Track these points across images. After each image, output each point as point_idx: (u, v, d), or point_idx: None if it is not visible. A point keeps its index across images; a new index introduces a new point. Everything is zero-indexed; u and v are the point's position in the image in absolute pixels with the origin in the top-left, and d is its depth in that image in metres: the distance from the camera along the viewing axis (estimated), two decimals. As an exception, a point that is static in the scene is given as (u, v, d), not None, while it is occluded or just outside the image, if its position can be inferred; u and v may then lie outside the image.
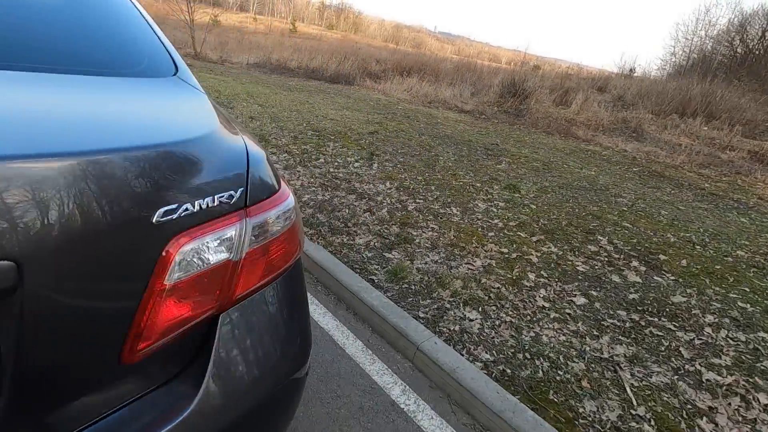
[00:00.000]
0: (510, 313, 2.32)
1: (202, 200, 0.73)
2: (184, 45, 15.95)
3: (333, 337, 2.04)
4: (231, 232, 0.78)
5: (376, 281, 2.45)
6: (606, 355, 2.08)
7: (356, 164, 4.58)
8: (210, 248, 0.76)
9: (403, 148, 5.47)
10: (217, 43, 17.79)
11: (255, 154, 0.89)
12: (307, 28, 39.58)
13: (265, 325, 0.89)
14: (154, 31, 1.26)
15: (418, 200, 3.76)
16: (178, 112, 0.93)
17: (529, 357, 2.00)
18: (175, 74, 1.12)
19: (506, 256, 2.95)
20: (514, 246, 3.11)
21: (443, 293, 2.41)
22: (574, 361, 2.01)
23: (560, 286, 2.65)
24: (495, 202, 3.95)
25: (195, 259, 0.74)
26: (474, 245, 3.03)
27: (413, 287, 2.44)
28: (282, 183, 1.00)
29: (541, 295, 2.52)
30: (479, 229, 3.32)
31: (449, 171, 4.76)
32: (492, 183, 4.54)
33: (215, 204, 0.75)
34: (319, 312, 2.21)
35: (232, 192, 0.78)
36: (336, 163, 4.51)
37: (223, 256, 0.78)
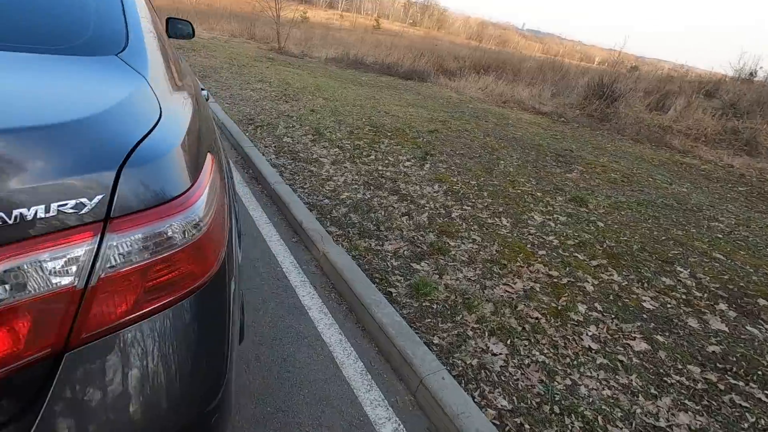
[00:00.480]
0: (545, 351, 1.96)
1: (27, 210, 0.56)
2: (269, 40, 16.73)
3: (333, 353, 1.85)
4: (77, 251, 0.60)
5: (393, 295, 2.20)
6: (663, 424, 1.65)
7: (407, 163, 4.34)
8: (42, 270, 0.58)
9: (463, 149, 5.11)
10: (302, 39, 18.44)
11: (151, 150, 0.70)
12: (391, 24, 39.84)
13: (142, 366, 0.70)
14: (124, 6, 1.14)
15: (465, 207, 3.43)
16: (65, 95, 0.77)
17: (558, 412, 1.64)
18: (121, 52, 0.97)
19: (555, 280, 2.54)
20: (567, 269, 2.68)
21: (468, 317, 2.10)
22: (616, 426, 1.61)
23: (616, 325, 2.21)
24: (555, 216, 3.49)
25: (17, 282, 0.57)
26: (518, 264, 2.66)
27: (435, 306, 2.16)
28: (202, 182, 0.81)
29: (590, 334, 2.11)
30: (528, 246, 2.92)
31: (508, 177, 4.34)
32: (556, 193, 4.04)
33: (51, 214, 0.58)
34: (325, 322, 2.02)
35: (83, 200, 0.60)
36: (386, 161, 4.30)
37: (63, 281, 0.60)
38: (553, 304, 2.30)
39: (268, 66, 9.92)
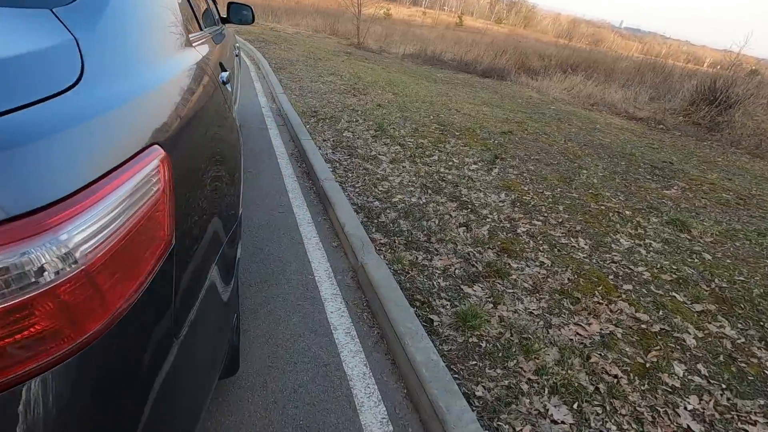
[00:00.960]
0: (626, 426, 1.50)
1: None
2: (350, 35, 16.91)
3: (352, 390, 1.55)
4: None
5: (435, 324, 1.85)
6: None
7: (473, 167, 3.92)
8: None
9: (539, 155, 4.56)
10: (382, 35, 18.41)
11: (12, 129, 0.45)
12: (475, 21, 38.66)
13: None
14: None
15: (534, 222, 2.96)
16: None
17: None
18: (61, 6, 0.74)
19: (643, 326, 2.02)
20: (661, 313, 2.13)
21: (524, 365, 1.69)
22: None
23: (728, 400, 1.67)
24: (646, 241, 2.89)
25: None
26: (596, 299, 2.17)
27: (484, 345, 1.78)
28: (100, 190, 0.54)
29: (690, 408, 1.60)
30: (610, 277, 2.40)
31: (591, 189, 3.75)
32: (649, 213, 3.40)
33: None
34: (350, 348, 1.73)
35: None
36: (450, 163, 3.92)
37: None
38: (640, 360, 1.81)
39: (343, 60, 9.89)
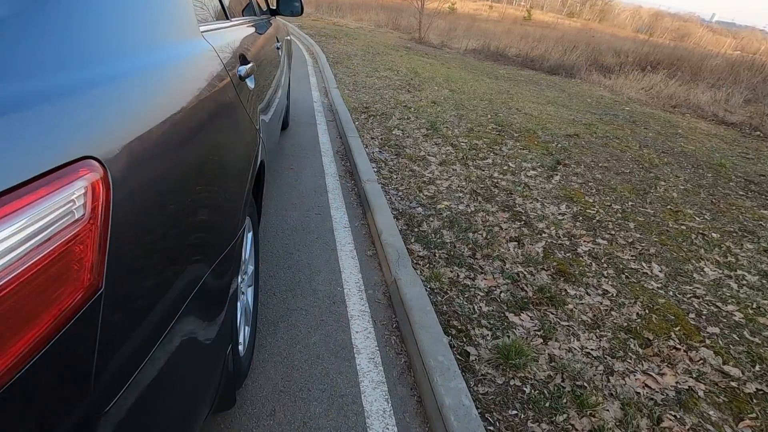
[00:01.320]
0: None
1: None
2: (412, 30, 16.67)
3: (368, 430, 1.36)
4: None
5: (471, 358, 1.61)
6: None
7: (531, 172, 3.57)
8: None
9: (608, 162, 4.09)
10: (444, 29, 17.97)
11: None
12: (544, 15, 36.78)
13: None
14: None
15: (599, 240, 2.59)
16: None
17: None
18: None
19: (734, 384, 1.65)
20: (758, 368, 1.74)
21: (577, 422, 1.41)
22: None
23: None
24: (739, 273, 2.43)
25: None
26: (672, 343, 1.81)
27: (528, 390, 1.51)
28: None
29: (797, 505, 1.24)
30: (691, 315, 2.01)
31: (669, 204, 3.27)
32: (742, 237, 2.89)
33: None
34: (372, 377, 1.54)
35: None
36: (505, 168, 3.60)
37: None
38: (728, 430, 1.45)
39: (402, 55, 9.69)
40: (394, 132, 4.14)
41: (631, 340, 1.80)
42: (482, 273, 2.13)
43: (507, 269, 2.19)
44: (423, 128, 4.37)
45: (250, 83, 1.37)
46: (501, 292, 2.01)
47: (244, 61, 1.35)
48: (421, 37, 15.79)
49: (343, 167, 3.34)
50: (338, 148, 3.74)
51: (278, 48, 2.35)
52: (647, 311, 2.00)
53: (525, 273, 2.17)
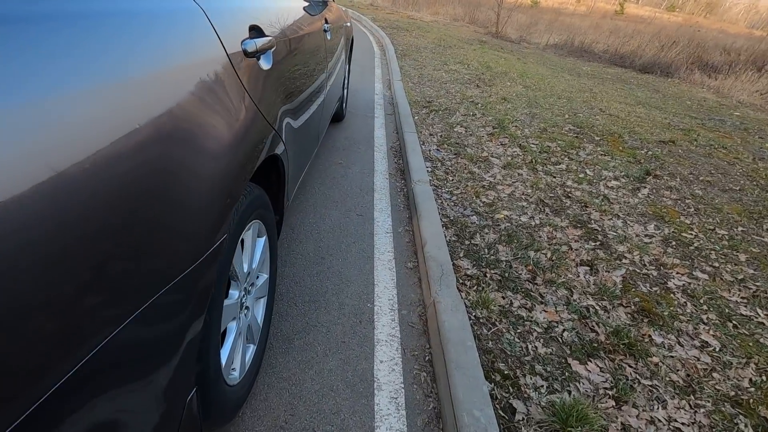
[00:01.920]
0: None
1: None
2: (489, 24, 15.98)
3: (376, 495, 1.09)
4: None
5: (517, 418, 1.28)
6: None
7: (612, 183, 3.06)
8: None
9: (712, 175, 3.43)
10: (525, 24, 17.02)
11: None
12: (639, 9, 33.65)
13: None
14: None
15: (698, 273, 2.09)
16: None
17: None
18: None
19: None
20: None
21: None
22: None
23: None
24: None
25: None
26: (801, 429, 1.34)
27: (591, 472, 1.15)
28: None
29: None
30: (831, 391, 1.50)
31: (795, 235, 2.62)
32: None
33: None
34: (389, 425, 1.26)
35: None
36: (581, 175, 3.13)
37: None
38: None
39: (475, 49, 9.19)
40: (455, 129, 3.80)
41: (741, 417, 1.36)
42: (542, 303, 1.77)
43: (574, 301, 1.80)
44: (489, 126, 3.97)
45: (265, 62, 1.14)
46: (564, 330, 1.64)
47: (258, 33, 1.12)
48: (498, 31, 15.06)
49: (396, 165, 3.08)
50: (393, 143, 3.48)
51: (325, 31, 2.13)
52: (765, 377, 1.52)
53: (597, 308, 1.77)
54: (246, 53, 1.00)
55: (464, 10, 19.60)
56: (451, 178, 2.84)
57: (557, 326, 1.65)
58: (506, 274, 1.91)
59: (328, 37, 2.23)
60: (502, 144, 3.59)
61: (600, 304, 1.80)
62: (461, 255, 2.02)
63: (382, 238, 2.17)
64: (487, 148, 3.47)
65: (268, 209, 1.28)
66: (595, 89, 6.48)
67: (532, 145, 3.63)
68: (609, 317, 1.73)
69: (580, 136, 4.00)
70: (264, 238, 1.33)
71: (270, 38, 1.15)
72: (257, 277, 1.32)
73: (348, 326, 1.60)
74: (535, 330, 1.62)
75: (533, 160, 3.31)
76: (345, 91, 3.60)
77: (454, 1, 22.56)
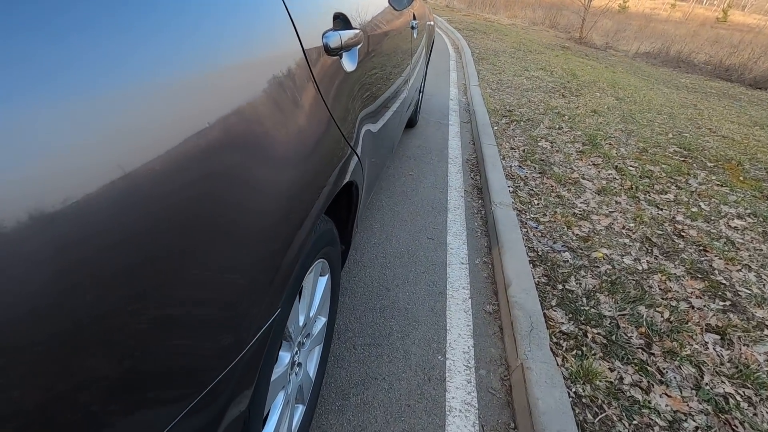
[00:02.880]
0: None
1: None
2: (572, 29, 15.08)
3: None
4: None
5: None
6: None
7: (736, 222, 2.53)
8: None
9: None
10: (611, 30, 15.83)
11: None
12: (745, 17, 30.22)
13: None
14: None
15: None
16: None
17: None
18: None
19: None
20: None
21: None
22: None
23: None
24: None
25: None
26: None
27: None
28: None
29: None
30: None
31: None
32: None
33: None
34: None
35: None
36: (695, 209, 2.62)
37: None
38: None
39: (557, 55, 8.56)
40: (540, 143, 3.39)
41: None
42: (662, 383, 1.38)
43: (706, 385, 1.39)
44: (578, 142, 3.52)
45: (349, 62, 0.89)
46: (698, 429, 1.25)
47: (344, 24, 0.87)
48: (582, 36, 14.11)
49: (472, 181, 2.76)
50: (469, 155, 3.15)
51: (413, 28, 1.86)
52: None
53: (738, 399, 1.36)
54: (327, 49, 0.75)
55: (544, 13, 18.67)
56: (536, 202, 2.47)
57: (686, 420, 1.26)
58: (613, 336, 1.53)
59: (414, 36, 1.97)
60: (594, 164, 3.14)
61: (742, 392, 1.38)
62: (553, 304, 1.67)
63: (457, 271, 1.87)
64: (576, 167, 3.04)
65: (335, 244, 1.04)
66: (700, 105, 5.69)
67: (631, 168, 3.14)
68: (757, 416, 1.31)
69: (689, 161, 3.43)
70: (327, 276, 1.08)
71: (358, 31, 0.89)
72: (314, 323, 1.08)
73: (414, 384, 1.32)
74: (656, 423, 1.24)
75: (633, 187, 2.84)
76: (420, 95, 3.33)
77: (534, 4, 21.59)
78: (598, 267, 1.94)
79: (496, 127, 3.60)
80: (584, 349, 1.46)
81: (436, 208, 2.34)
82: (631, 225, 2.36)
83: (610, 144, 3.57)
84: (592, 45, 13.19)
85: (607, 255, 2.04)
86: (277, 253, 0.59)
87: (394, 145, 1.98)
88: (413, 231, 2.10)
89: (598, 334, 1.54)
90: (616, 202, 2.62)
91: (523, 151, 3.20)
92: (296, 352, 0.96)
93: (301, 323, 0.92)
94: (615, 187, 2.81)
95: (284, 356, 0.87)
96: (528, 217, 2.30)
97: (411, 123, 3.29)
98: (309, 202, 0.66)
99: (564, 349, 1.46)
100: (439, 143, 3.26)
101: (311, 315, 1.00)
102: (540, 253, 1.98)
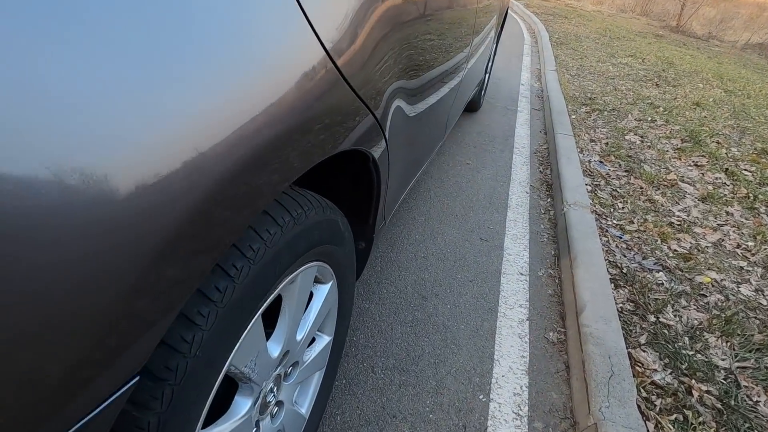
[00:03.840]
0: None
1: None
2: (666, 17, 13.60)
3: None
4: None
5: None
6: None
7: None
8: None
9: None
10: (714, 18, 14.02)
11: None
12: None
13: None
14: None
15: None
16: None
17: None
18: None
19: None
20: None
21: None
22: None
23: None
24: None
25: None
26: None
27: None
28: None
29: None
30: None
31: None
32: None
33: None
34: None
35: None
36: (837, 230, 2.02)
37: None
38: None
39: (650, 42, 7.59)
40: (627, 137, 2.86)
41: None
42: (812, 482, 0.94)
43: None
44: (676, 138, 2.94)
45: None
46: None
47: None
48: (679, 24, 12.63)
49: (540, 175, 2.34)
50: (539, 146, 2.71)
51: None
52: None
53: None
54: None
55: (633, 0, 17.00)
56: (621, 206, 2.01)
57: None
58: (731, 400, 1.10)
59: (484, 4, 1.60)
60: (696, 164, 2.58)
61: None
62: (642, 341, 1.25)
63: (513, 283, 1.50)
64: (674, 167, 2.50)
65: (341, 242, 0.74)
66: (834, 103, 4.69)
67: (746, 173, 2.54)
68: None
69: (826, 168, 2.73)
70: (330, 284, 0.79)
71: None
72: (305, 347, 0.79)
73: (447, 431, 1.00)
74: None
75: (750, 195, 2.26)
76: (487, 75, 2.93)
77: (624, -10, 19.76)
78: (705, 296, 1.48)
79: (573, 116, 3.11)
80: (689, 414, 1.05)
81: (494, 204, 1.96)
82: (749, 244, 1.84)
83: (717, 142, 2.95)
84: (691, 34, 11.76)
85: (716, 281, 1.56)
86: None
87: (447, 125, 1.64)
88: (464, 229, 1.75)
89: (708, 393, 1.11)
90: (727, 213, 2.09)
91: (606, 144, 2.70)
92: (272, 389, 0.68)
93: (274, 354, 0.63)
94: (725, 195, 2.25)
95: (241, 404, 0.59)
96: (610, 223, 1.86)
97: (473, 107, 2.90)
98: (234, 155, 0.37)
99: (658, 409, 1.06)
100: (504, 131, 2.85)
101: (299, 338, 0.71)
102: (625, 271, 1.55)
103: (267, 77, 0.42)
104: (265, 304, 0.56)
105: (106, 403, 0.33)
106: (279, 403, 0.73)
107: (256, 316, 0.54)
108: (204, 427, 0.53)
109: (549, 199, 2.10)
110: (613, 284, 1.46)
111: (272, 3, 0.44)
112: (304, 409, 0.84)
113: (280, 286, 0.60)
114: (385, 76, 0.70)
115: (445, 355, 1.19)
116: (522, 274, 1.55)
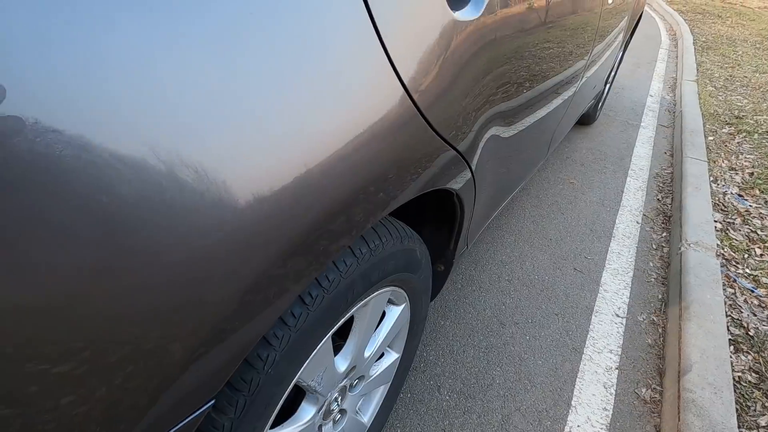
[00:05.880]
0: None
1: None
2: None
3: None
4: None
5: None
6: None
7: None
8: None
9: None
10: None
11: None
12: None
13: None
14: None
15: None
16: None
17: None
18: None
19: None
20: None
21: None
22: None
23: None
24: None
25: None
26: None
27: None
28: None
29: None
30: None
31: None
32: None
33: None
34: None
35: None
36: None
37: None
38: None
39: (832, 49, 6.22)
40: (781, 167, 2.40)
41: None
42: None
43: None
44: None
45: (472, 9, 0.56)
46: None
47: None
48: None
49: (657, 204, 2.08)
50: (661, 169, 2.41)
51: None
52: None
53: None
54: None
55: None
56: (758, 252, 1.71)
57: None
58: None
59: (609, 2, 1.45)
60: (752, 168, 2.07)
61: None
62: (763, 423, 1.06)
63: (607, 324, 1.37)
64: (842, 212, 2.04)
65: (416, 269, 0.74)
66: None
67: None
68: None
69: None
70: (403, 306, 0.80)
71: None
72: (372, 362, 0.81)
73: (504, 473, 0.96)
74: None
75: None
76: (607, 86, 2.67)
77: (806, -18, 16.43)
78: None
79: (711, 138, 2.70)
80: None
81: (596, 232, 1.80)
82: None
83: None
84: (746, 5, 9.40)
85: None
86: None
87: (549, 145, 1.53)
88: (557, 256, 1.63)
89: None
90: None
91: (751, 174, 2.30)
92: (336, 398, 0.72)
93: (341, 369, 0.66)
94: None
95: (307, 409, 0.64)
96: (740, 272, 1.59)
97: (587, 119, 2.67)
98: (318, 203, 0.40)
99: None
100: (620, 149, 2.58)
101: (367, 354, 0.74)
102: (752, 333, 1.32)
103: (351, 123, 0.43)
104: (336, 327, 0.59)
105: (208, 404, 0.40)
106: (342, 411, 0.77)
107: (326, 338, 0.57)
108: (271, 428, 0.59)
109: (664, 234, 1.86)
110: (732, 347, 1.26)
111: (363, 66, 0.43)
112: (366, 418, 0.87)
113: (353, 310, 0.62)
114: (474, 103, 0.66)
115: (516, 389, 1.14)
116: (618, 315, 1.41)
